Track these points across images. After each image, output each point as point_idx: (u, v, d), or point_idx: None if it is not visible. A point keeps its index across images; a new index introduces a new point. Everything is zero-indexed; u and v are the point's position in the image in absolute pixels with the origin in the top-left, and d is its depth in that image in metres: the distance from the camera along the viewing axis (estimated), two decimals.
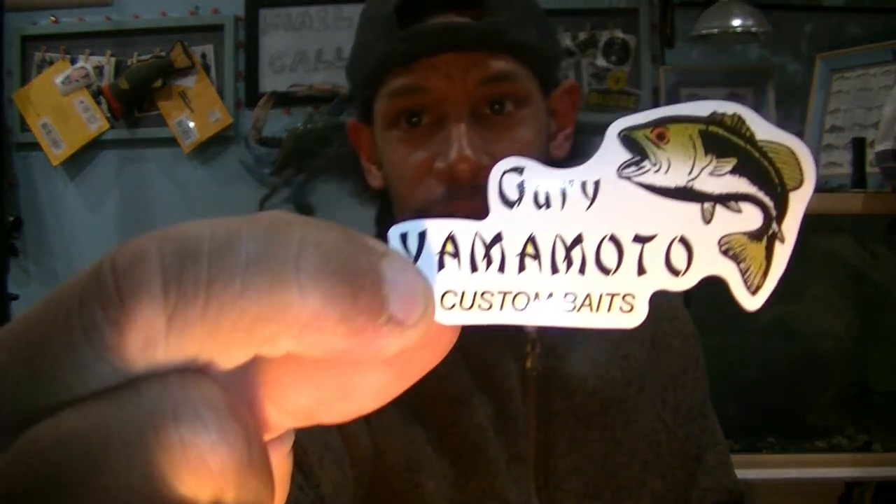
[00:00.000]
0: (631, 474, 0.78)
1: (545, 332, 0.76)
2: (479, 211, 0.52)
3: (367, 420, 0.71)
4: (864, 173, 1.57)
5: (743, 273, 0.23)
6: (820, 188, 1.66)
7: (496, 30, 0.69)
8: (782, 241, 0.23)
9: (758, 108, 1.87)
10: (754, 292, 0.23)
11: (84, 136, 2.00)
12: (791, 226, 0.23)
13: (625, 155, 0.22)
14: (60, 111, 2.00)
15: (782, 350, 1.72)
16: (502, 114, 0.71)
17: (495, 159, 0.55)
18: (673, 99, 1.89)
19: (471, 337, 0.72)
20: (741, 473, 1.69)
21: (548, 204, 0.22)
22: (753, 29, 1.73)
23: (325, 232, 0.18)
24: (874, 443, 1.65)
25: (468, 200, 0.69)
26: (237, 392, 0.19)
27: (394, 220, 0.67)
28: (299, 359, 0.18)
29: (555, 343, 0.76)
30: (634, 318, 0.22)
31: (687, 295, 1.64)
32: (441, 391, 0.74)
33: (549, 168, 0.22)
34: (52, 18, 2.03)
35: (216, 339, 0.17)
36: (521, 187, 0.22)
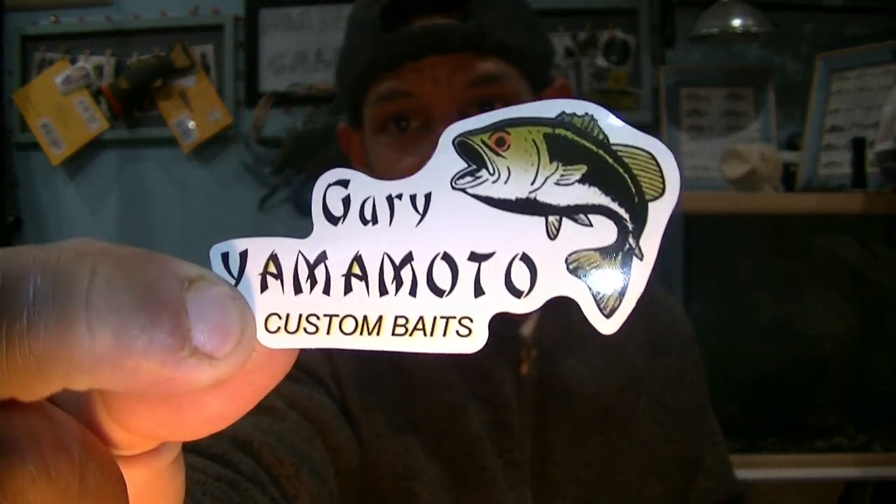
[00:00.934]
0: (629, 479, 0.77)
1: (540, 338, 0.75)
2: None
3: (356, 430, 0.71)
4: (864, 173, 1.57)
5: (595, 295, 0.21)
6: (820, 188, 1.66)
7: (481, 31, 0.67)
8: (640, 257, 0.21)
9: (758, 108, 1.87)
10: (609, 315, 0.21)
11: (84, 136, 2.00)
12: (651, 240, 0.20)
13: (460, 164, 0.20)
14: (60, 111, 2.00)
15: (782, 350, 1.72)
16: None
17: None
18: (673, 99, 1.89)
19: None
20: (741, 473, 1.69)
21: (374, 220, 0.20)
22: (753, 29, 1.73)
23: (123, 263, 0.17)
24: (874, 443, 1.65)
25: None
26: (81, 410, 0.18)
27: None
28: (129, 401, 0.18)
29: (551, 348, 0.75)
30: (474, 342, 0.20)
31: (687, 295, 1.64)
32: (435, 399, 0.74)
33: (377, 181, 0.20)
34: (52, 18, 2.03)
35: (11, 376, 0.16)
36: (346, 202, 0.20)
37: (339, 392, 0.72)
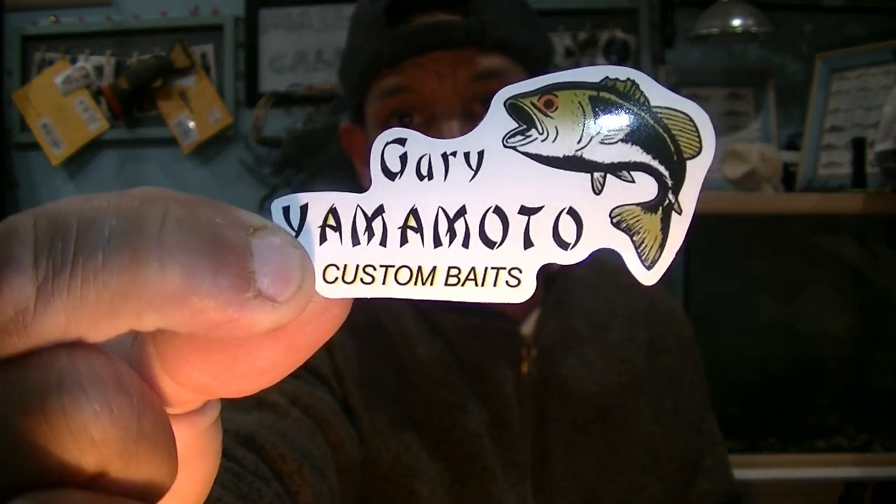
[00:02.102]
0: (629, 479, 0.77)
1: (540, 337, 0.75)
2: None
3: (357, 428, 0.71)
4: (864, 173, 1.57)
5: (637, 246, 0.22)
6: (820, 188, 1.66)
7: (483, 27, 0.68)
8: (679, 212, 0.22)
9: (758, 108, 1.87)
10: (650, 266, 0.22)
11: (84, 136, 2.00)
12: (689, 196, 0.23)
13: (511, 124, 0.21)
14: (60, 111, 2.00)
15: (782, 350, 1.72)
16: None
17: None
18: None
19: (466, 342, 0.74)
20: (741, 473, 1.69)
21: (430, 175, 0.21)
22: (753, 29, 1.73)
23: (192, 207, 0.18)
24: (874, 443, 1.65)
25: None
26: (135, 365, 0.19)
27: None
28: (187, 334, 0.18)
29: (551, 347, 0.76)
30: (522, 292, 0.21)
31: (686, 295, 1.64)
32: (436, 398, 0.74)
33: (432, 139, 0.21)
34: (52, 18, 2.03)
35: (83, 312, 0.17)
36: (402, 158, 0.21)
37: (339, 389, 0.72)
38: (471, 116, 0.70)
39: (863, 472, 1.61)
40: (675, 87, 1.89)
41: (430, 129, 0.69)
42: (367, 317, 0.76)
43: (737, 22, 1.73)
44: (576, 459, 0.75)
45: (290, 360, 0.20)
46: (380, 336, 0.76)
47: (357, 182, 0.81)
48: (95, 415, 0.16)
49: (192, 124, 1.98)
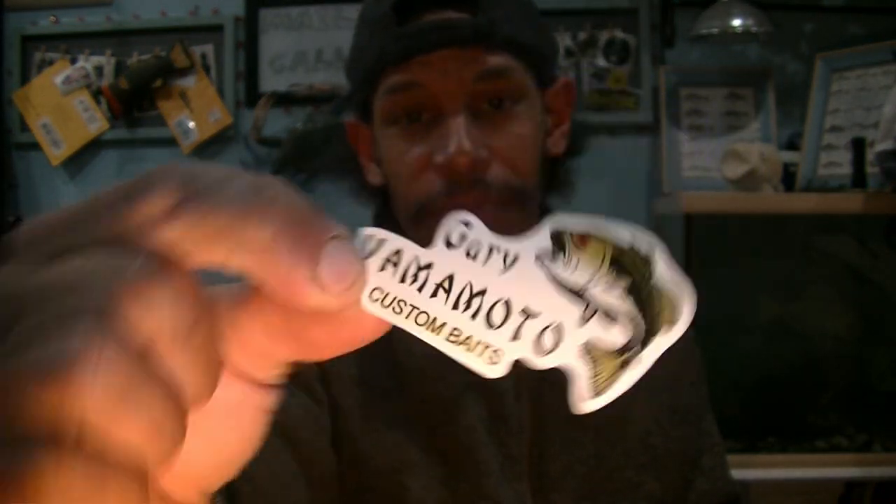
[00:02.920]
0: (626, 476, 0.77)
1: None
2: (479, 202, 0.57)
3: (348, 425, 0.72)
4: (864, 173, 1.57)
5: (592, 377, 0.27)
6: (820, 188, 1.66)
7: (491, 26, 0.69)
8: (636, 365, 0.27)
9: (758, 108, 1.87)
10: (593, 396, 0.27)
11: (84, 136, 2.00)
12: (650, 356, 0.27)
13: (548, 244, 0.27)
14: (60, 111, 2.00)
15: (782, 350, 1.72)
16: (500, 109, 0.71)
17: (493, 153, 0.59)
18: (673, 99, 1.89)
19: None
20: (741, 473, 1.70)
21: (475, 257, 0.27)
22: (753, 29, 1.73)
23: (302, 200, 0.24)
24: (874, 443, 1.65)
25: (468, 192, 0.69)
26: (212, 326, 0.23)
27: (391, 218, 0.66)
28: (259, 304, 0.24)
29: None
30: (496, 370, 0.27)
31: None
32: (432, 393, 0.74)
33: (491, 232, 0.27)
34: (52, 18, 2.03)
35: (195, 232, 0.22)
36: (462, 237, 0.27)
37: (326, 390, 0.72)
38: (477, 114, 0.70)
39: (863, 472, 1.61)
40: (675, 87, 1.89)
41: (438, 125, 0.70)
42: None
43: (737, 22, 1.73)
44: (574, 455, 0.76)
45: (333, 347, 0.26)
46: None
47: (361, 178, 0.81)
48: (166, 301, 0.21)
49: (192, 124, 1.98)
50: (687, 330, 0.73)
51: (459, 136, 0.68)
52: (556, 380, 0.65)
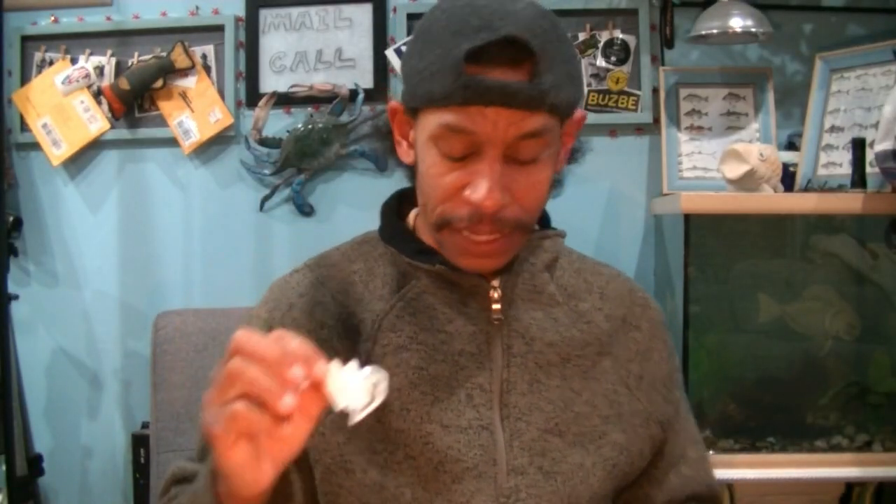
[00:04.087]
0: (592, 424, 0.90)
1: (505, 289, 0.91)
2: (492, 231, 0.81)
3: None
4: (864, 173, 1.57)
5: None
6: (820, 188, 1.66)
7: (541, 94, 0.80)
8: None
9: (757, 108, 1.87)
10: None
11: (84, 136, 2.00)
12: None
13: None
14: (60, 111, 2.00)
15: (782, 350, 1.72)
16: (530, 162, 0.84)
17: (514, 196, 0.85)
18: (673, 99, 1.89)
19: (438, 290, 0.91)
20: (741, 473, 1.70)
21: None
22: (753, 29, 1.73)
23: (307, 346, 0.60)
24: (874, 443, 1.65)
25: (486, 225, 0.84)
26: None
27: (411, 199, 0.92)
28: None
29: (515, 299, 0.92)
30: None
31: (686, 295, 1.64)
32: (391, 339, 0.90)
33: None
34: (52, 18, 2.03)
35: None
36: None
37: None
38: (510, 162, 0.83)
39: (863, 472, 1.61)
40: (674, 87, 1.90)
41: (476, 161, 0.83)
42: (334, 317, 0.93)
43: (736, 22, 1.73)
44: (539, 395, 0.89)
45: (302, 432, 0.63)
46: (344, 311, 0.94)
47: (394, 152, 0.95)
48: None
49: (192, 124, 1.98)
50: (659, 316, 0.96)
51: (492, 183, 0.82)
52: (521, 328, 0.86)
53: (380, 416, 0.86)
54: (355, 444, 0.87)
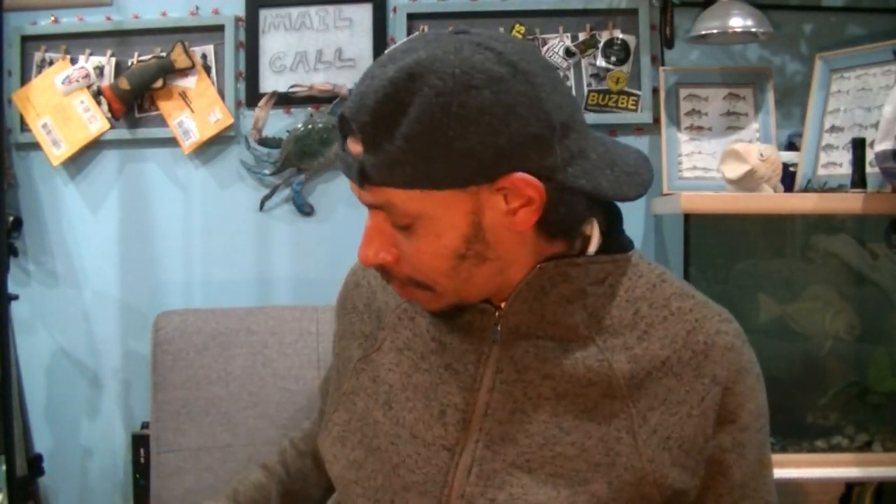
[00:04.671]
0: (574, 467, 0.83)
1: (509, 315, 0.87)
2: (408, 288, 0.88)
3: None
4: (864, 173, 1.57)
5: None
6: (820, 188, 1.66)
7: (363, 170, 0.78)
8: None
9: (757, 108, 1.87)
10: None
11: (84, 136, 2.00)
12: None
13: None
14: (60, 111, 2.00)
15: (782, 350, 1.72)
16: (403, 228, 0.82)
17: (401, 256, 0.85)
18: (673, 99, 1.89)
19: (441, 317, 0.90)
20: None
21: None
22: (753, 29, 1.73)
23: None
24: (874, 443, 1.65)
25: (387, 277, 0.87)
26: None
27: None
28: None
29: (517, 326, 0.87)
30: None
31: None
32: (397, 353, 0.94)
33: None
34: (52, 18, 2.03)
35: None
36: None
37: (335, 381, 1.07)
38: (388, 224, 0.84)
39: (863, 472, 1.61)
40: (674, 87, 1.90)
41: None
42: (364, 301, 1.01)
43: (736, 22, 1.73)
44: (519, 426, 0.84)
45: None
46: (370, 313, 1.01)
47: None
48: None
49: (192, 124, 1.98)
50: (716, 371, 0.85)
51: (365, 240, 0.85)
52: (517, 355, 0.80)
53: (369, 403, 0.93)
54: (354, 424, 0.95)
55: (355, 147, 0.79)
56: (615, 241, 0.90)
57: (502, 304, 0.87)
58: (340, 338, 1.04)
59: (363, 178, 0.79)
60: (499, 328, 0.87)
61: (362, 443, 0.93)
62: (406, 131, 0.75)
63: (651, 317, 0.87)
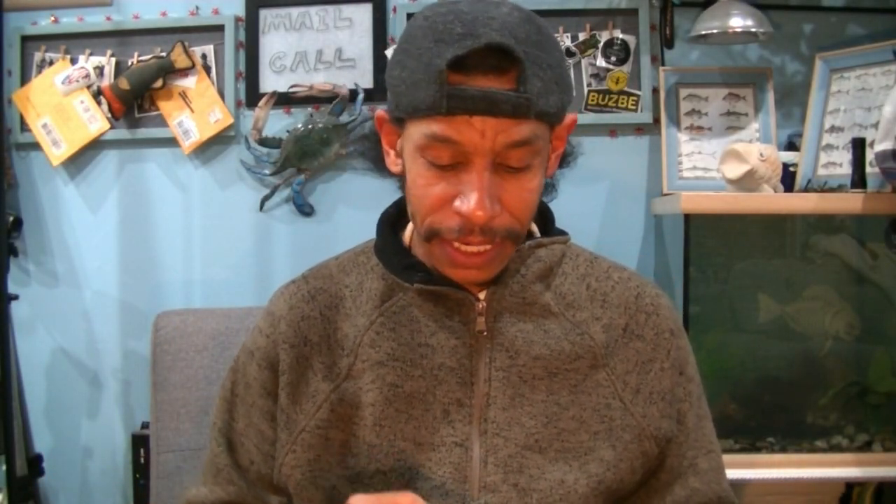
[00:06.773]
0: (578, 439, 0.88)
1: (492, 302, 0.89)
2: (483, 243, 0.78)
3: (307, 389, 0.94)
4: (864, 173, 1.57)
5: None
6: (820, 188, 1.66)
7: (527, 102, 0.78)
8: None
9: (757, 108, 1.87)
10: None
11: (84, 136, 2.00)
12: None
13: None
14: (60, 111, 2.00)
15: (782, 350, 1.72)
16: (519, 170, 0.82)
17: (504, 205, 0.84)
18: (672, 99, 1.89)
19: (424, 303, 0.90)
20: (741, 473, 1.70)
21: None
22: (753, 29, 1.73)
23: None
24: (874, 443, 1.65)
25: (476, 235, 0.83)
26: None
27: (403, 213, 0.88)
28: None
29: (502, 311, 0.90)
30: None
31: (686, 295, 1.64)
32: (371, 356, 0.90)
33: None
34: (52, 18, 2.03)
35: None
36: None
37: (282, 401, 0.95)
38: (499, 171, 0.82)
39: (863, 472, 1.61)
40: (674, 87, 1.90)
41: (464, 171, 0.82)
42: (319, 333, 0.95)
43: (736, 22, 1.73)
44: (521, 409, 0.87)
45: None
46: (329, 320, 0.95)
47: (382, 160, 0.93)
48: None
49: (192, 124, 1.98)
50: (667, 324, 0.91)
51: (481, 193, 0.80)
52: (506, 342, 0.83)
53: (354, 430, 0.89)
54: (326, 459, 0.90)
55: (500, 81, 0.78)
56: (551, 226, 0.98)
57: (481, 295, 0.90)
58: (283, 373, 0.94)
59: (526, 107, 0.79)
60: (483, 318, 0.89)
61: (346, 476, 0.89)
62: (552, 61, 0.81)
63: (601, 289, 0.95)
